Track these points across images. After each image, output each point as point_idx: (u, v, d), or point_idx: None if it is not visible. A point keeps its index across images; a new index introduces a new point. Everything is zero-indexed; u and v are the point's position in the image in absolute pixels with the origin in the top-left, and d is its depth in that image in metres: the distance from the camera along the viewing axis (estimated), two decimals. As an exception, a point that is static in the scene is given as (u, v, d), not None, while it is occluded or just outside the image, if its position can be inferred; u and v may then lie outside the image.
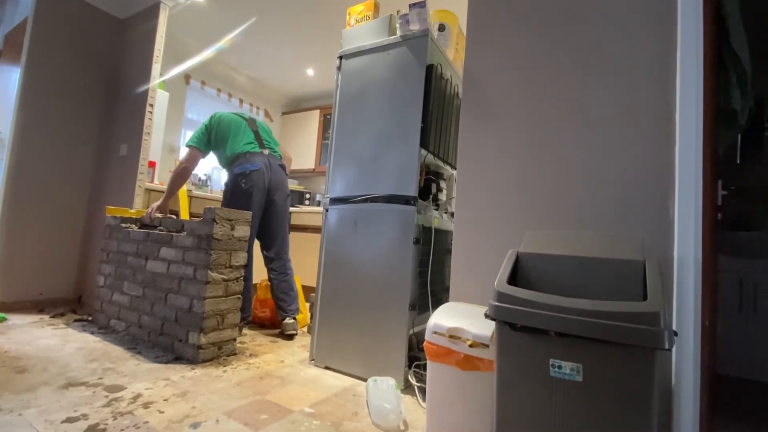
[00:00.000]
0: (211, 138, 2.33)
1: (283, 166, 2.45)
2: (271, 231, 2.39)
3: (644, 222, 1.19)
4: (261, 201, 2.29)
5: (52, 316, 2.41)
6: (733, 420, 1.52)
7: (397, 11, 1.92)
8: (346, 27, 2.10)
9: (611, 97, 1.28)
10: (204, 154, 2.35)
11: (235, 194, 2.24)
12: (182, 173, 2.29)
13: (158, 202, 2.27)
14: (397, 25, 1.84)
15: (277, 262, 2.38)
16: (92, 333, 2.11)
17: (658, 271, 0.90)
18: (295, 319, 2.33)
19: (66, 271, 2.81)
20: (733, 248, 2.08)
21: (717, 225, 1.44)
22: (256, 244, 2.41)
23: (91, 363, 1.67)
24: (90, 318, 2.38)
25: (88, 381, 1.48)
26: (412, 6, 1.75)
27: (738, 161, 2.25)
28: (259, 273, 2.50)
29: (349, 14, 2.13)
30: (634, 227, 1.20)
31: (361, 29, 2.01)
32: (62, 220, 2.78)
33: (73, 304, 2.77)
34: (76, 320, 2.35)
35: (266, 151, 2.37)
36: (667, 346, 0.75)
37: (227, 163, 2.32)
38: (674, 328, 1.07)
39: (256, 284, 2.59)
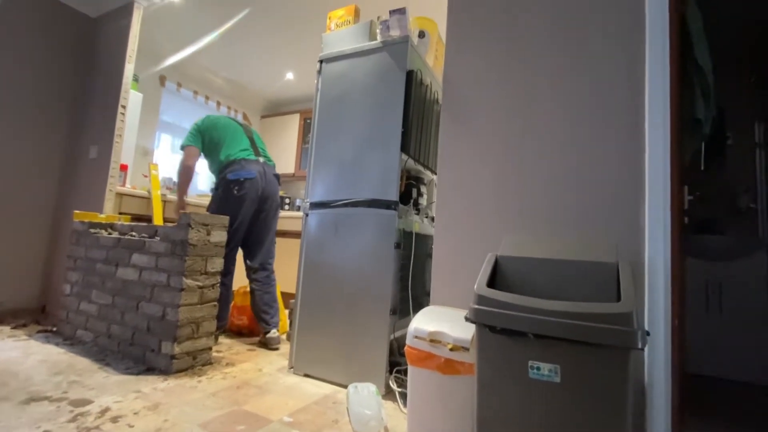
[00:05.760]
0: (205, 140, 2.27)
1: (277, 176, 2.39)
2: (257, 241, 2.33)
3: (617, 226, 1.22)
4: (251, 210, 2.24)
5: (13, 327, 2.27)
6: (703, 416, 1.58)
7: (378, 17, 1.93)
8: (326, 31, 2.10)
9: (585, 106, 1.33)
10: (201, 152, 2.30)
11: (225, 200, 2.18)
12: (186, 172, 2.27)
13: (175, 206, 2.33)
14: (378, 30, 1.85)
15: (261, 273, 2.32)
16: (57, 344, 2.00)
17: (630, 273, 0.93)
18: (278, 331, 2.28)
19: (29, 280, 2.66)
20: (699, 251, 2.18)
21: (684, 229, 1.50)
22: (241, 252, 2.35)
23: (56, 376, 1.58)
24: (54, 329, 2.26)
25: (52, 395, 1.40)
26: (392, 12, 1.77)
27: (702, 168, 2.36)
28: (237, 280, 2.44)
29: (329, 18, 2.13)
30: (608, 231, 1.23)
31: (341, 34, 2.01)
32: (25, 225, 2.63)
33: (36, 314, 2.62)
34: (40, 331, 2.23)
35: (261, 159, 2.32)
36: (640, 346, 0.77)
37: (219, 168, 2.25)
38: (646, 328, 1.10)
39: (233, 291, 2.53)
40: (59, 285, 2.46)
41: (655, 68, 1.21)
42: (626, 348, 0.79)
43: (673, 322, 1.10)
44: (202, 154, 2.32)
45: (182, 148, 2.28)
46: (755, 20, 2.24)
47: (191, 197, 3.45)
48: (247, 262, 2.34)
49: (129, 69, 2.68)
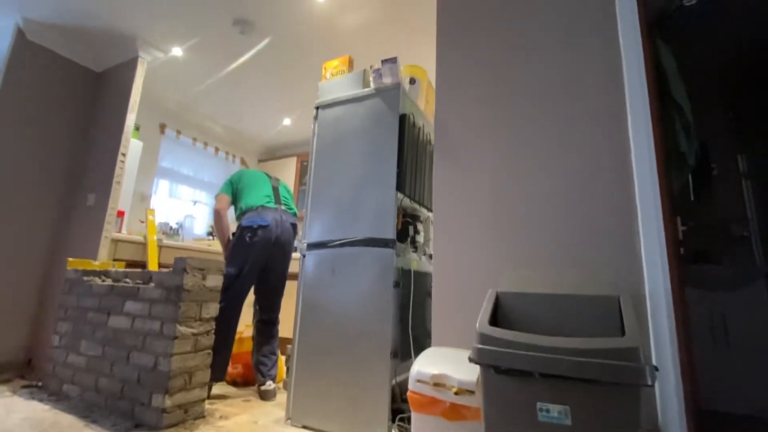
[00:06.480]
0: (233, 189, 2.37)
1: (294, 225, 2.41)
2: (269, 289, 2.34)
3: (614, 258, 1.23)
4: (262, 257, 2.24)
5: (-4, 384, 2.17)
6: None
7: (371, 66, 2.04)
8: (322, 80, 2.20)
9: (571, 140, 1.38)
10: (231, 199, 2.37)
11: (237, 245, 2.21)
12: (217, 217, 2.31)
13: (223, 251, 2.35)
14: (371, 78, 1.95)
15: (268, 324, 2.32)
16: (41, 401, 1.90)
17: (632, 306, 0.92)
18: (274, 382, 2.20)
19: (15, 331, 2.56)
20: (698, 281, 2.16)
21: (681, 259, 1.51)
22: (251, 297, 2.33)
23: (37, 436, 1.49)
24: (40, 384, 2.15)
25: (32, 458, 1.31)
26: (384, 61, 1.87)
27: (692, 199, 2.41)
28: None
29: (324, 69, 2.24)
30: (606, 264, 1.23)
31: (336, 82, 2.10)
32: (14, 275, 2.57)
33: (21, 369, 2.50)
34: (24, 386, 2.12)
35: (282, 207, 2.36)
36: (649, 382, 0.75)
37: (239, 214, 2.31)
38: (654, 363, 1.07)
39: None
40: (47, 336, 2.38)
41: (636, 108, 1.27)
42: (636, 385, 0.76)
43: (681, 356, 1.08)
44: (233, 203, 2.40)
45: (216, 197, 2.38)
46: (733, 60, 2.39)
47: (187, 242, 3.44)
48: (256, 307, 2.35)
49: (131, 119, 2.76)
